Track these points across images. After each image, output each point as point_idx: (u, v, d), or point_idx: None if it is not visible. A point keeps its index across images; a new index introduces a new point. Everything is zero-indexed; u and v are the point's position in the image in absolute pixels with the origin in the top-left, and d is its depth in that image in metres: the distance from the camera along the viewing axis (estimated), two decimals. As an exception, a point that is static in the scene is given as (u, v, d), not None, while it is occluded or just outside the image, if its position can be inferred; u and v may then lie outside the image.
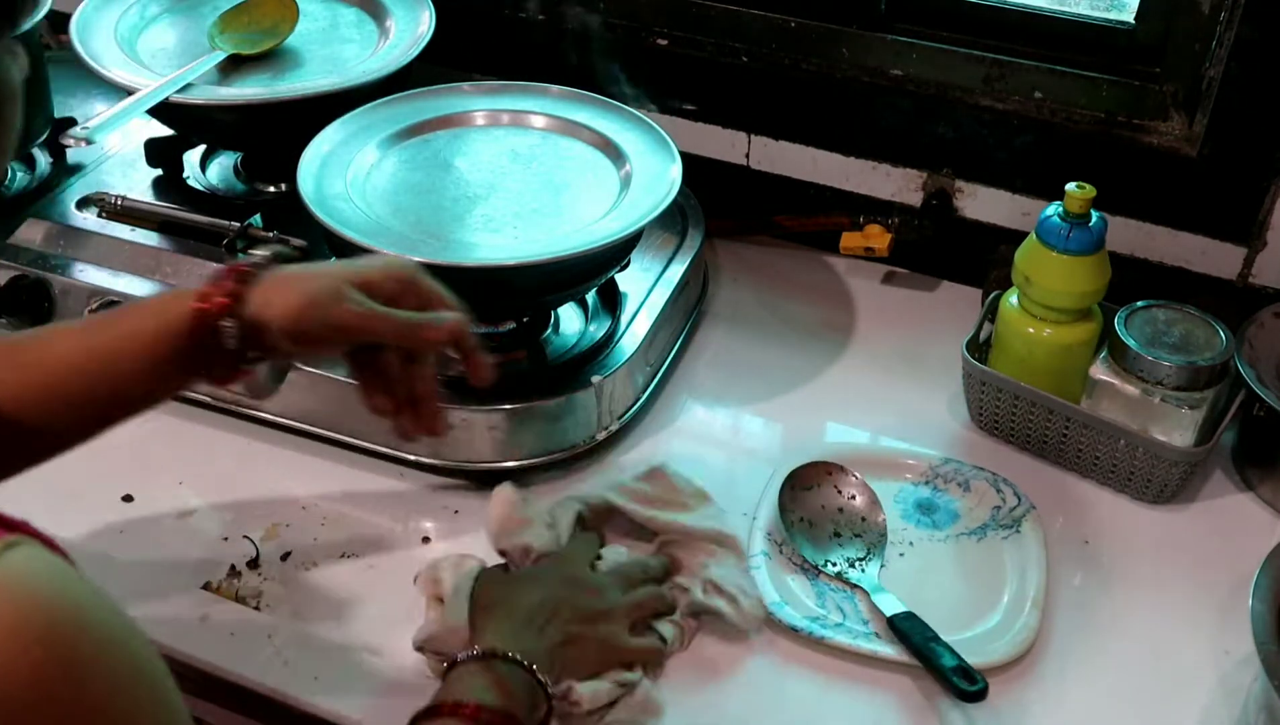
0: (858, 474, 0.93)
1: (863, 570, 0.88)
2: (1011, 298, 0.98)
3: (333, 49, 1.12)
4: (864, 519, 0.91)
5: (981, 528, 0.91)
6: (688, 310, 1.09)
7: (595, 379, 0.94)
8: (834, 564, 0.88)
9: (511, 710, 0.71)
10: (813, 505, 0.91)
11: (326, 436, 0.96)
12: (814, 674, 0.82)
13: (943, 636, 0.80)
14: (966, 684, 0.77)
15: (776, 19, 1.12)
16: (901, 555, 0.90)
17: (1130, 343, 0.91)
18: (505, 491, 0.87)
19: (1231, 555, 0.89)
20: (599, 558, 0.86)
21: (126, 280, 1.01)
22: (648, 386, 1.01)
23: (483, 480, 0.94)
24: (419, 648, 0.80)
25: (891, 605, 0.84)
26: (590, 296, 1.04)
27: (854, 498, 0.92)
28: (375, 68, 1.07)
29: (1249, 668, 0.77)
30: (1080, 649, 0.84)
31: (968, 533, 0.91)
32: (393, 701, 0.78)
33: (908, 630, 0.81)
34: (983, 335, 1.02)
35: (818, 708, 0.80)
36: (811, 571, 0.88)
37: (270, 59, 1.10)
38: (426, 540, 0.91)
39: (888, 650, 0.81)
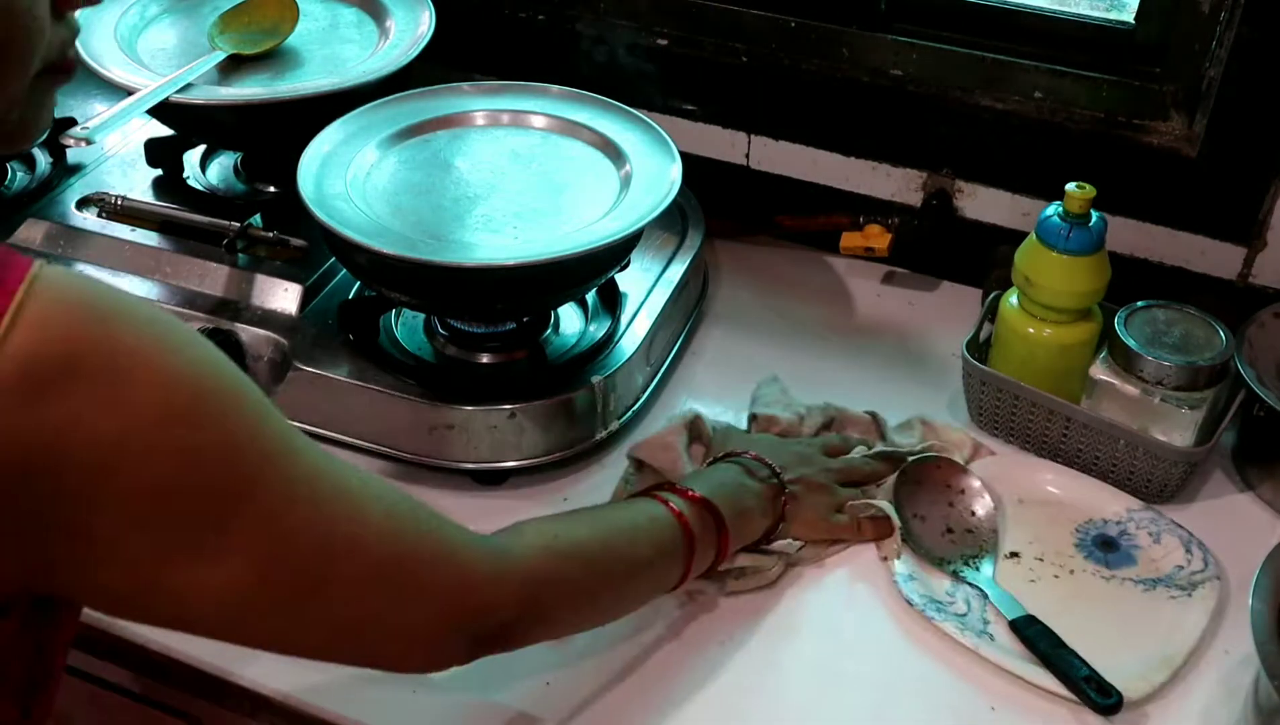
0: (968, 468, 0.93)
1: (977, 569, 0.87)
2: (1011, 298, 0.98)
3: (333, 49, 1.12)
4: (973, 514, 0.91)
5: (1153, 581, 0.87)
6: (688, 310, 1.09)
7: (595, 379, 0.94)
8: (949, 563, 0.88)
9: (721, 512, 0.81)
10: (924, 500, 0.91)
11: (325, 436, 0.96)
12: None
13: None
14: (1101, 697, 0.76)
15: (776, 19, 1.12)
16: (1055, 577, 0.88)
17: (1130, 343, 0.91)
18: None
19: (1231, 555, 0.89)
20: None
21: (127, 280, 1.01)
22: (648, 386, 1.01)
23: (482, 480, 0.94)
24: (629, 455, 0.93)
25: (1012, 608, 0.83)
26: (590, 296, 1.04)
27: (963, 492, 0.92)
28: (375, 68, 1.07)
29: (1249, 668, 0.77)
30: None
31: (1136, 580, 0.88)
32: (385, 695, 0.78)
33: (1033, 636, 0.81)
34: (983, 335, 1.02)
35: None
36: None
37: (270, 59, 1.10)
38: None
39: (990, 650, 0.81)
